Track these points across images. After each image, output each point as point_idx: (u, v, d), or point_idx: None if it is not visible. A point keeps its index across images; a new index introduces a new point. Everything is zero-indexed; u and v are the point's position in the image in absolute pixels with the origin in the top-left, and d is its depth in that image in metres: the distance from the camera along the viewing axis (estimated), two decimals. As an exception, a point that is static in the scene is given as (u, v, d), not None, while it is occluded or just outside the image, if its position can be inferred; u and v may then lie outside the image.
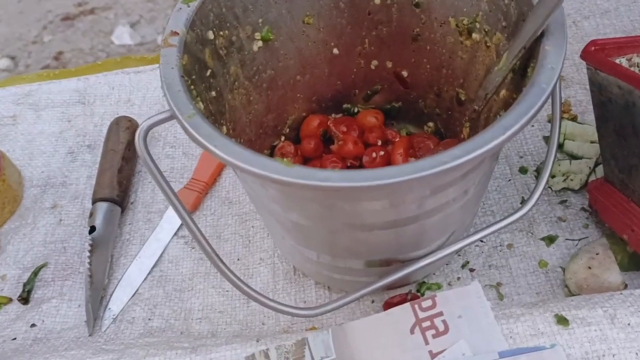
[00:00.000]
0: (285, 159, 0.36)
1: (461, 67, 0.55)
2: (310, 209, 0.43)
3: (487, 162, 0.43)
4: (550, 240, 0.56)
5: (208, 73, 0.48)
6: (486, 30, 0.50)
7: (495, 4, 0.48)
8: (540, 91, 0.37)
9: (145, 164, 0.42)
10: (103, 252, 0.60)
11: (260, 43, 0.53)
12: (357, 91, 0.62)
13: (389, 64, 0.59)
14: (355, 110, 0.63)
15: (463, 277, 0.55)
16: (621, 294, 0.46)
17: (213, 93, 0.48)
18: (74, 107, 0.74)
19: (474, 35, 0.51)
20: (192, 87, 0.43)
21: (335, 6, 0.55)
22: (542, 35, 0.40)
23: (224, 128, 0.50)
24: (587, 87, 0.65)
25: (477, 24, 0.50)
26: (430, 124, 0.62)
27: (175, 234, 0.62)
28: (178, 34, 0.44)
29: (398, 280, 0.49)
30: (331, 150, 0.61)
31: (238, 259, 0.60)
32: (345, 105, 0.63)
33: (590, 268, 0.51)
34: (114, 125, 0.68)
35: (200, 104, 0.44)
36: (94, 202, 0.62)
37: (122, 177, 0.64)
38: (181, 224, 0.62)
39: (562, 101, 0.63)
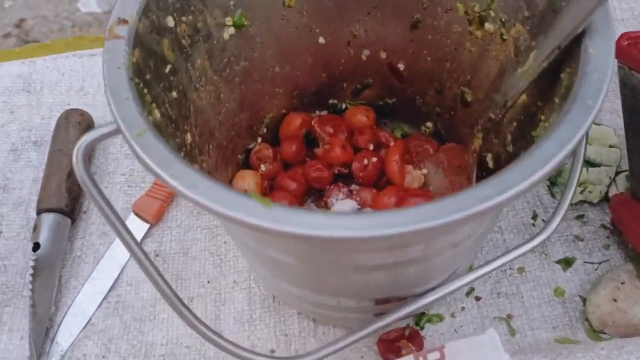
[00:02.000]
0: (261, 196, 0.28)
1: (468, 62, 0.47)
2: (292, 249, 0.35)
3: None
4: (566, 263, 0.49)
5: (167, 69, 0.39)
6: (502, 20, 0.41)
7: (516, -11, 0.39)
8: (586, 109, 0.30)
9: (86, 191, 0.33)
10: (49, 273, 0.51)
11: (232, 30, 0.44)
12: (345, 85, 0.54)
13: (383, 55, 0.51)
14: (343, 106, 0.55)
15: (468, 306, 0.48)
16: (659, 338, 0.39)
17: (174, 94, 0.39)
18: (17, 95, 0.64)
19: (486, 25, 0.43)
20: (146, 90, 0.35)
21: (321, -13, 0.46)
22: (582, 33, 0.32)
23: (189, 135, 0.41)
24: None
25: (491, 12, 0.42)
26: (429, 123, 0.54)
27: (135, 249, 0.54)
28: (127, 22, 0.35)
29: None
30: (315, 154, 0.52)
31: (208, 282, 0.52)
32: (331, 101, 0.55)
33: (615, 301, 0.44)
34: (63, 120, 0.58)
35: (156, 111, 0.35)
36: (39, 212, 0.53)
37: (72, 183, 0.55)
38: (142, 239, 0.54)
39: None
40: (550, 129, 0.29)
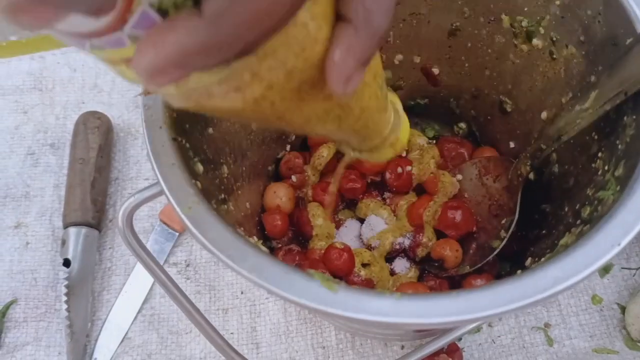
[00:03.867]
0: (324, 276, 0.27)
1: (511, 73, 0.45)
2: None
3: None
4: (604, 269, 0.49)
5: (203, 107, 0.37)
6: (554, 39, 0.39)
7: (571, 12, 0.37)
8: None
9: (134, 254, 0.32)
10: (82, 289, 0.51)
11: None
12: (375, 87, 0.52)
13: (417, 59, 0.49)
14: (373, 107, 0.53)
15: (505, 316, 0.48)
16: None
17: (210, 130, 0.38)
18: (29, 94, 0.61)
19: (534, 41, 0.41)
20: (188, 144, 0.33)
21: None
22: (653, 80, 0.31)
23: (225, 168, 0.40)
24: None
25: (541, 28, 0.40)
26: (462, 124, 0.52)
27: (166, 260, 0.53)
28: (163, 71, 0.33)
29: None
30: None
31: (242, 292, 0.51)
32: (360, 103, 0.53)
33: None
34: (80, 126, 0.56)
35: (199, 165, 0.34)
36: (66, 226, 0.52)
37: (97, 193, 0.54)
38: (172, 249, 0.54)
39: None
40: (617, 203, 0.28)
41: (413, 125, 0.54)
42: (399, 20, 0.45)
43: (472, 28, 0.44)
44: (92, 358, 0.49)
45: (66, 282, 0.50)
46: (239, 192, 0.42)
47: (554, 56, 0.39)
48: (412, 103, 0.53)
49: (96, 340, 0.50)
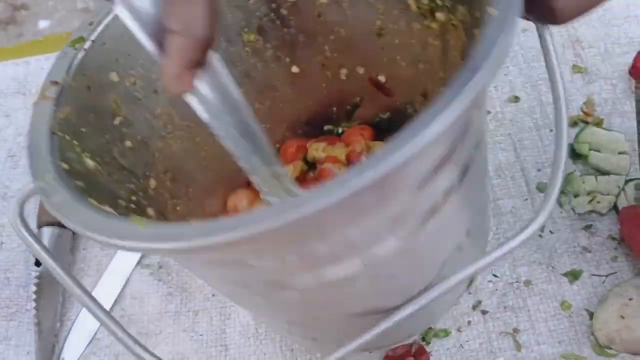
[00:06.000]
0: (139, 218, 0.28)
1: (437, 58, 0.44)
2: (212, 273, 0.34)
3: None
4: (573, 276, 0.45)
5: (117, 122, 0.41)
6: (448, 6, 0.39)
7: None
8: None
9: (32, 250, 0.34)
10: (53, 289, 0.53)
11: (192, 74, 0.46)
12: (335, 108, 0.53)
13: (361, 70, 0.49)
14: (340, 130, 0.54)
15: (474, 320, 0.44)
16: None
17: (128, 143, 0.41)
18: (12, 98, 0.65)
19: (437, 14, 0.40)
20: (76, 141, 0.37)
21: (277, 16, 0.46)
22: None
23: (152, 181, 0.42)
24: (613, 82, 0.53)
25: (437, 0, 0.39)
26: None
27: (139, 262, 0.54)
28: (58, 83, 0.37)
29: (390, 333, 0.37)
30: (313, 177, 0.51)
31: (213, 295, 0.51)
32: (326, 127, 0.54)
33: (623, 318, 0.41)
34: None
35: (89, 160, 0.37)
36: (40, 226, 0.54)
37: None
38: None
39: (585, 100, 0.53)
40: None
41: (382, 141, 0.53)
42: (327, 33, 0.47)
43: (392, 24, 0.44)
44: (60, 358, 0.50)
45: (36, 281, 0.52)
46: (177, 207, 0.44)
47: (454, 23, 0.38)
48: (377, 120, 0.53)
49: (65, 340, 0.51)
